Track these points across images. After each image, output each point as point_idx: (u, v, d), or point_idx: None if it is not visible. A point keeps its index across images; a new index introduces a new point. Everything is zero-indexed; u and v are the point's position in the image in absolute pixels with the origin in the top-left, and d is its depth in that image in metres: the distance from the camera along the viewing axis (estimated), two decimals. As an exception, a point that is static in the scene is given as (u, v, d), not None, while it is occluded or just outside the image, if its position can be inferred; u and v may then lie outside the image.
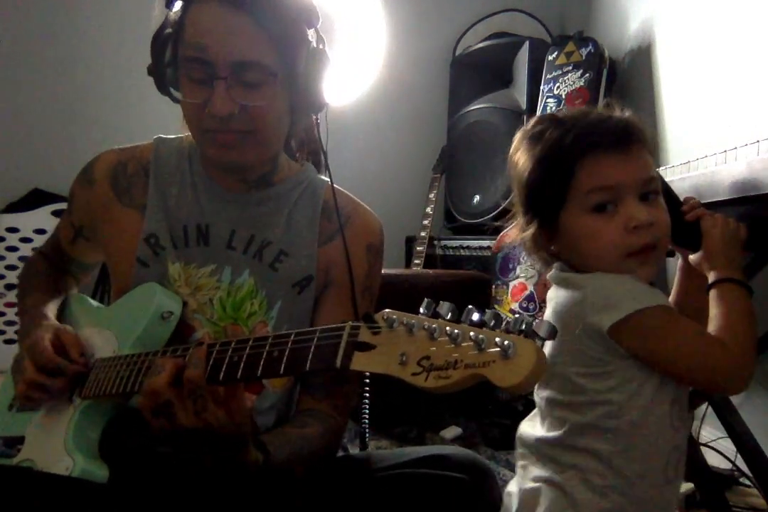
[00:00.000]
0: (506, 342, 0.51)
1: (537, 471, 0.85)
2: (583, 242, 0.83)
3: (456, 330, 0.54)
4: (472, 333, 0.53)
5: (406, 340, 0.56)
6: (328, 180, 1.04)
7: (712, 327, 0.80)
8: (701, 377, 0.79)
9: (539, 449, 0.86)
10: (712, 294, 0.83)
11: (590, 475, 0.80)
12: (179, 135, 1.05)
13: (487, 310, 0.54)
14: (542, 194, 0.85)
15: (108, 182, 1.01)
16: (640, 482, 0.80)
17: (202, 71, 0.87)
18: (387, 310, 0.59)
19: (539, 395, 0.88)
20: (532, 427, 0.90)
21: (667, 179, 1.02)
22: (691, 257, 0.89)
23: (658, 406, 0.81)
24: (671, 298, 0.96)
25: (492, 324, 0.53)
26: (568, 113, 0.90)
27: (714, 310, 0.81)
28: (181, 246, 0.98)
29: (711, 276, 0.84)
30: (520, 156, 0.89)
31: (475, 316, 0.55)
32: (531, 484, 0.85)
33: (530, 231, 0.88)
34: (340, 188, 1.06)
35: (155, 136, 1.05)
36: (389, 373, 0.56)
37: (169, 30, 0.91)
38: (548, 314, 0.87)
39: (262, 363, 0.68)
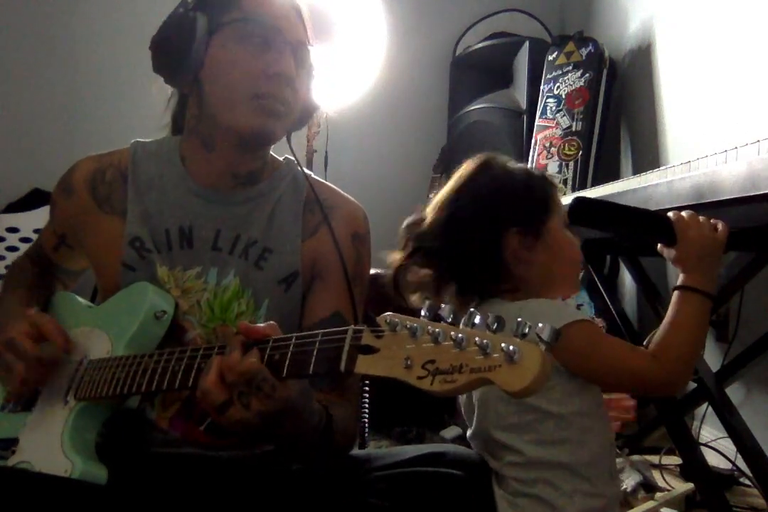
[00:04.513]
0: (512, 348, 0.51)
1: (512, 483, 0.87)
2: (566, 249, 0.94)
3: (460, 335, 0.54)
4: (477, 339, 0.53)
5: (411, 344, 0.56)
6: (309, 173, 1.05)
7: (658, 330, 0.86)
8: (632, 387, 0.91)
9: (501, 470, 0.88)
10: (674, 296, 0.87)
11: (559, 482, 0.83)
12: (157, 138, 1.05)
13: (489, 314, 0.55)
14: (531, 200, 0.92)
15: (87, 190, 1.01)
16: (597, 481, 0.84)
17: (267, 32, 0.91)
18: (389, 313, 0.59)
19: (482, 428, 0.91)
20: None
21: (667, 179, 1.02)
22: (666, 254, 0.91)
23: (599, 407, 0.86)
24: None
25: (494, 327, 0.54)
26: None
27: (667, 314, 0.86)
28: (164, 250, 0.97)
29: (680, 278, 0.88)
30: (489, 174, 0.95)
31: (478, 320, 0.55)
32: (508, 496, 0.86)
33: (503, 240, 0.91)
34: (320, 179, 1.07)
35: (132, 141, 1.05)
36: (394, 376, 0.56)
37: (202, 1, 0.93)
38: None
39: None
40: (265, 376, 0.68)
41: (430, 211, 0.96)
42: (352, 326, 0.63)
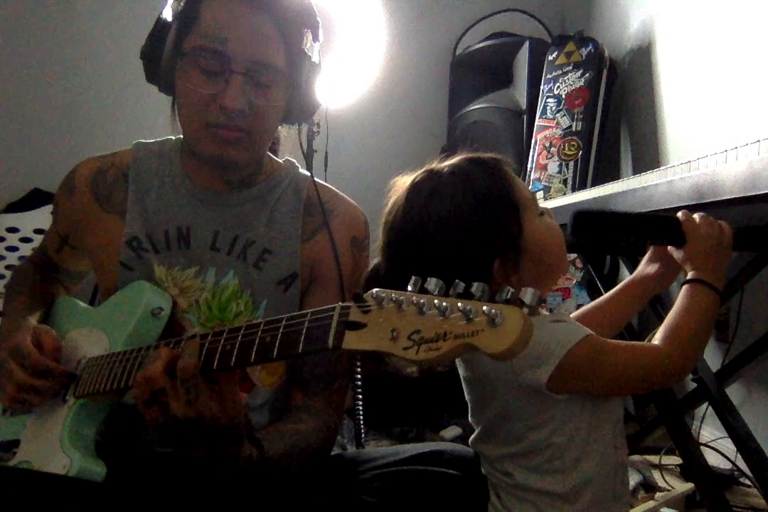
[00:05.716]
0: (493, 311, 0.51)
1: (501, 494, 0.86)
2: (549, 241, 0.85)
3: (444, 303, 0.54)
4: (459, 305, 0.53)
5: (396, 316, 0.56)
6: (310, 174, 1.05)
7: (666, 320, 0.84)
8: (647, 385, 0.86)
9: (494, 485, 0.87)
10: (683, 290, 0.86)
11: (545, 508, 0.82)
12: (159, 139, 1.05)
13: (474, 283, 0.54)
14: (501, 221, 0.80)
15: (89, 190, 1.02)
16: (592, 507, 0.82)
17: (217, 63, 0.88)
18: (376, 289, 0.59)
19: (477, 448, 0.90)
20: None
21: (667, 179, 1.02)
22: (675, 255, 0.89)
23: (599, 433, 0.83)
24: (598, 300, 1.00)
25: (479, 295, 0.54)
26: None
27: (675, 305, 0.85)
28: (163, 250, 0.98)
29: (689, 274, 0.87)
30: (438, 206, 0.82)
31: (462, 289, 0.55)
32: (498, 505, 0.86)
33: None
34: (322, 182, 1.06)
35: (134, 142, 1.05)
36: (381, 349, 0.56)
37: (174, 16, 0.90)
38: (465, 375, 0.88)
39: (255, 348, 0.69)
40: (196, 383, 0.71)
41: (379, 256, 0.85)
42: (340, 303, 0.63)
